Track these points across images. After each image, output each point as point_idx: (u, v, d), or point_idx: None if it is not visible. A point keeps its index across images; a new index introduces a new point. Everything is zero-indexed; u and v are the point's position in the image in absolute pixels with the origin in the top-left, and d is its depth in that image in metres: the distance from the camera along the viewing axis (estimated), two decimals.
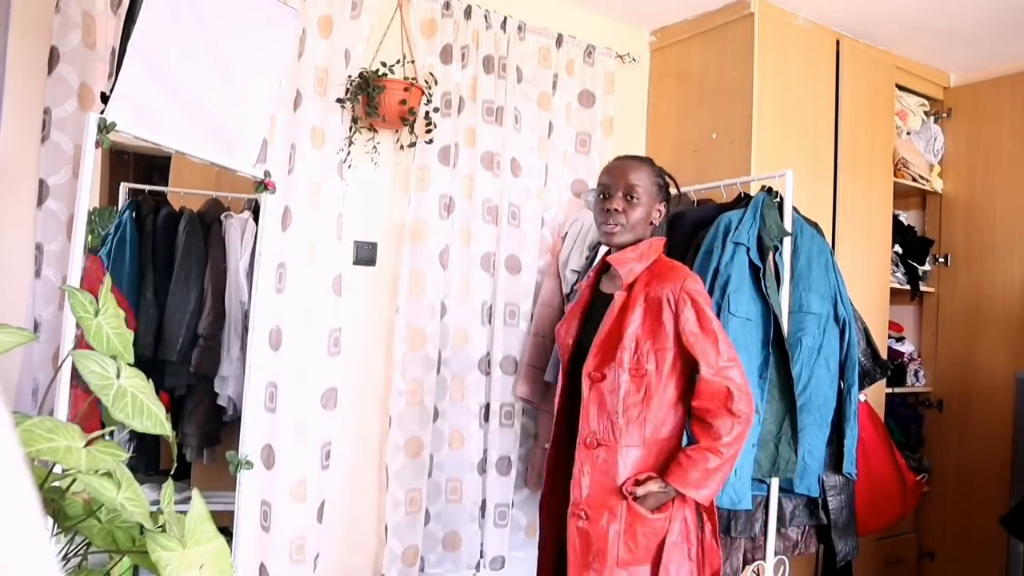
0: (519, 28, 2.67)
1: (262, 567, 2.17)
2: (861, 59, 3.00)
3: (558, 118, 2.77)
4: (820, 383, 2.23)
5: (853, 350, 2.30)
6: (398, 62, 2.38)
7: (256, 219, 2.24)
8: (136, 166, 2.22)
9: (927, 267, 3.39)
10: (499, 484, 2.59)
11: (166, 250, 2.28)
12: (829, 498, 2.30)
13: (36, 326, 1.86)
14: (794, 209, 2.27)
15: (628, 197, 1.67)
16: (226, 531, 1.48)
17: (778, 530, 2.24)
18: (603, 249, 2.38)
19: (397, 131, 2.45)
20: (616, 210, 1.66)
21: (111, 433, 1.33)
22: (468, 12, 2.54)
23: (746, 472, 2.07)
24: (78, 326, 1.35)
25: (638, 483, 1.58)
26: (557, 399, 1.80)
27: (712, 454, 1.53)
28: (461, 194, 2.55)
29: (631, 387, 1.58)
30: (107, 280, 1.40)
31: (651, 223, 1.73)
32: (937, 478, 3.30)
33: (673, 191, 1.80)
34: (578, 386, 1.68)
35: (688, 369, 1.61)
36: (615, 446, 1.59)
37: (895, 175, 3.19)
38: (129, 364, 1.28)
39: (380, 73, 2.28)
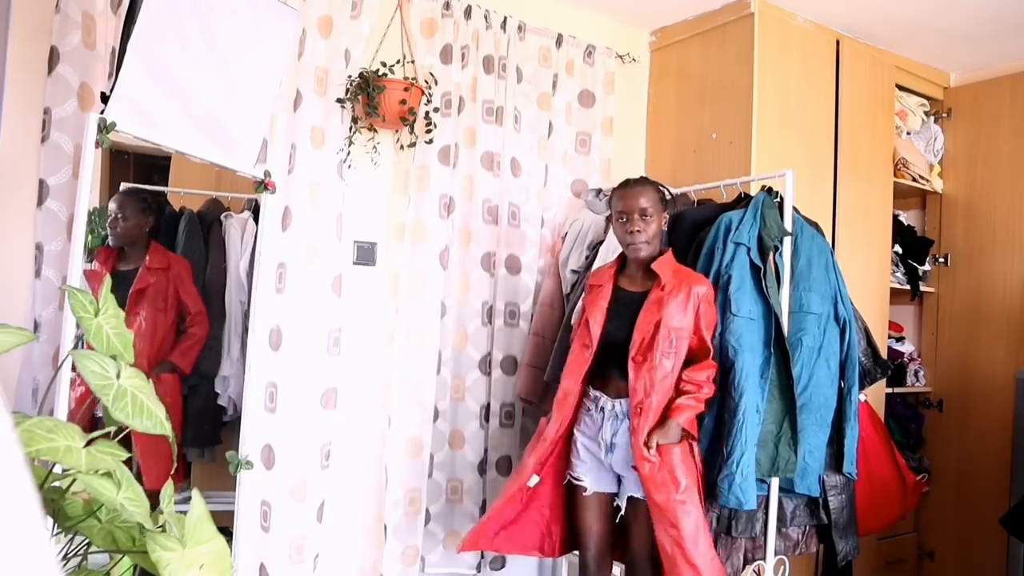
0: (519, 28, 2.67)
1: (262, 567, 2.17)
2: (861, 59, 3.00)
3: (558, 118, 2.76)
4: (820, 383, 2.23)
5: (853, 350, 2.30)
6: (398, 62, 2.38)
7: (256, 219, 2.24)
8: (136, 166, 2.22)
9: (927, 267, 3.39)
10: (499, 484, 2.58)
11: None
12: (830, 498, 2.30)
13: (36, 326, 1.87)
14: (794, 209, 2.27)
15: (643, 217, 2.01)
16: (226, 531, 1.48)
17: (779, 530, 2.23)
18: (603, 250, 2.42)
19: (397, 131, 2.45)
20: (638, 231, 2.01)
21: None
22: (468, 12, 2.54)
23: (751, 472, 2.07)
24: (78, 326, 1.35)
25: (648, 442, 1.95)
26: (577, 370, 2.09)
27: (696, 403, 2.00)
28: (461, 194, 2.55)
29: (664, 366, 1.98)
30: (107, 280, 1.40)
31: (661, 231, 2.10)
32: (937, 478, 3.29)
33: (669, 196, 2.16)
34: (605, 365, 2.07)
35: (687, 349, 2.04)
36: (655, 411, 2.00)
37: (895, 175, 3.18)
38: (129, 364, 1.28)
39: (380, 73, 2.28)
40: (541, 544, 2.19)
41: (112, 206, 2.16)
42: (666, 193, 2.14)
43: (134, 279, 2.19)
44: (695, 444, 2.02)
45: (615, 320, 2.07)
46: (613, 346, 2.04)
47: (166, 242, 2.29)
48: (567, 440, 2.14)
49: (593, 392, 2.11)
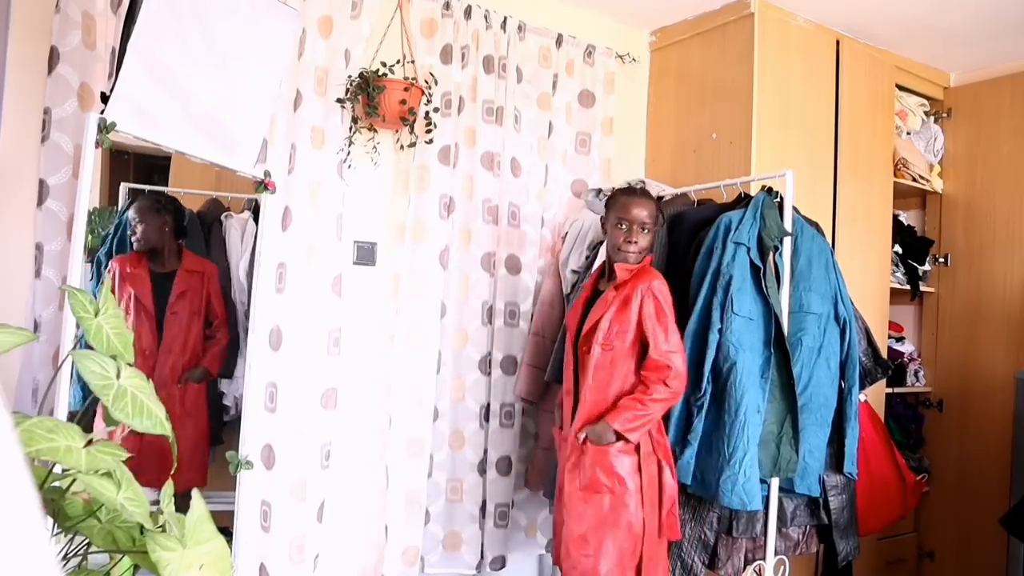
0: (519, 28, 2.67)
1: (262, 567, 2.17)
2: (861, 59, 3.00)
3: (558, 118, 2.76)
4: (821, 383, 2.23)
5: (854, 350, 2.30)
6: (398, 62, 2.38)
7: (256, 219, 2.24)
8: (136, 166, 2.22)
9: (927, 267, 3.39)
10: (499, 484, 2.58)
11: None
12: (830, 498, 2.30)
13: (36, 326, 1.86)
14: (794, 209, 2.27)
15: (643, 229, 2.08)
16: (226, 531, 1.48)
17: (779, 530, 2.23)
18: (603, 250, 2.44)
19: (397, 131, 2.45)
20: (635, 241, 2.08)
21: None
22: (468, 12, 2.54)
23: (754, 472, 2.06)
24: (78, 326, 1.35)
25: (578, 432, 2.02)
26: (567, 367, 2.18)
27: (640, 404, 1.96)
28: (461, 194, 2.55)
29: (597, 356, 2.03)
30: (107, 280, 1.40)
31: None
32: (937, 478, 3.29)
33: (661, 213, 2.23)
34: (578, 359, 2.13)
35: (645, 348, 2.02)
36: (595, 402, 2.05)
37: (895, 175, 3.18)
38: (129, 364, 1.28)
39: (380, 73, 2.27)
40: None
41: (130, 214, 2.22)
42: (661, 210, 2.21)
43: (170, 282, 2.25)
44: (644, 451, 1.98)
45: (585, 316, 2.15)
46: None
47: None
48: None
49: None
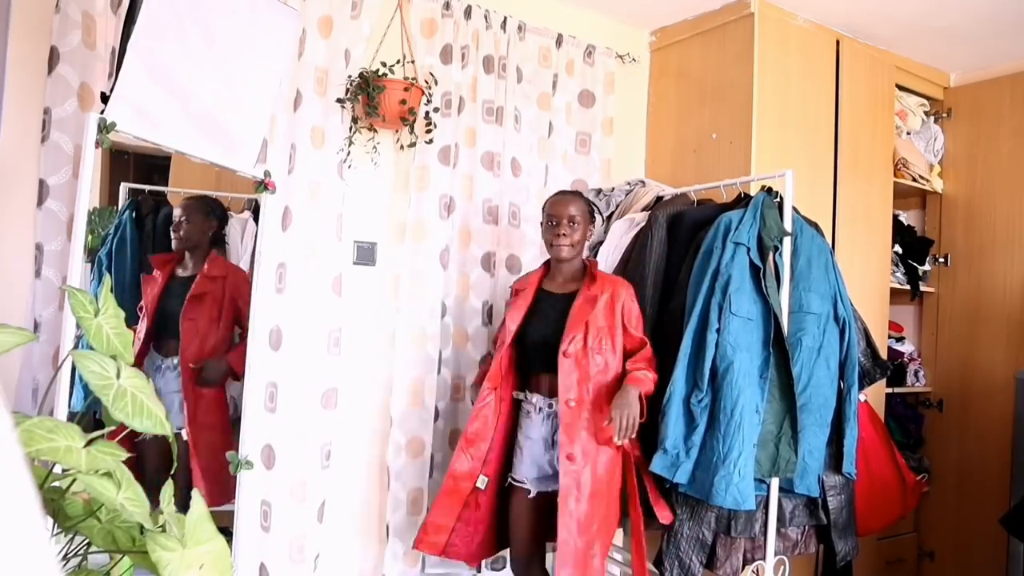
0: (519, 28, 2.67)
1: (262, 567, 2.17)
2: (861, 59, 3.00)
3: (558, 118, 2.76)
4: (820, 383, 2.23)
5: (853, 350, 2.30)
6: (398, 62, 2.38)
7: (256, 219, 2.24)
8: (136, 166, 2.23)
9: (927, 267, 3.39)
10: None
11: (166, 250, 2.28)
12: (829, 498, 2.30)
13: (36, 326, 1.87)
14: (794, 209, 2.27)
15: (571, 224, 2.15)
16: (226, 531, 1.48)
17: (778, 530, 2.23)
18: (603, 251, 2.44)
19: (397, 131, 2.45)
20: (563, 235, 2.15)
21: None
22: (468, 12, 2.54)
23: (749, 472, 2.06)
24: (78, 326, 1.35)
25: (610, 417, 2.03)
26: (493, 372, 2.17)
27: (647, 377, 2.08)
28: (461, 194, 2.55)
29: (597, 360, 2.07)
30: (107, 280, 1.40)
31: (586, 241, 2.23)
32: (937, 478, 3.29)
33: (598, 212, 2.38)
34: (532, 366, 2.17)
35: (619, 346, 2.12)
36: (588, 405, 2.07)
37: (895, 175, 3.18)
38: (129, 364, 1.28)
39: (380, 73, 2.28)
40: (480, 549, 2.23)
41: (176, 212, 2.24)
42: (595, 209, 2.32)
43: (191, 286, 2.24)
44: (626, 453, 2.09)
45: (536, 320, 2.16)
46: (537, 346, 2.14)
47: (164, 242, 2.29)
48: (503, 441, 2.19)
49: (527, 394, 2.17)
